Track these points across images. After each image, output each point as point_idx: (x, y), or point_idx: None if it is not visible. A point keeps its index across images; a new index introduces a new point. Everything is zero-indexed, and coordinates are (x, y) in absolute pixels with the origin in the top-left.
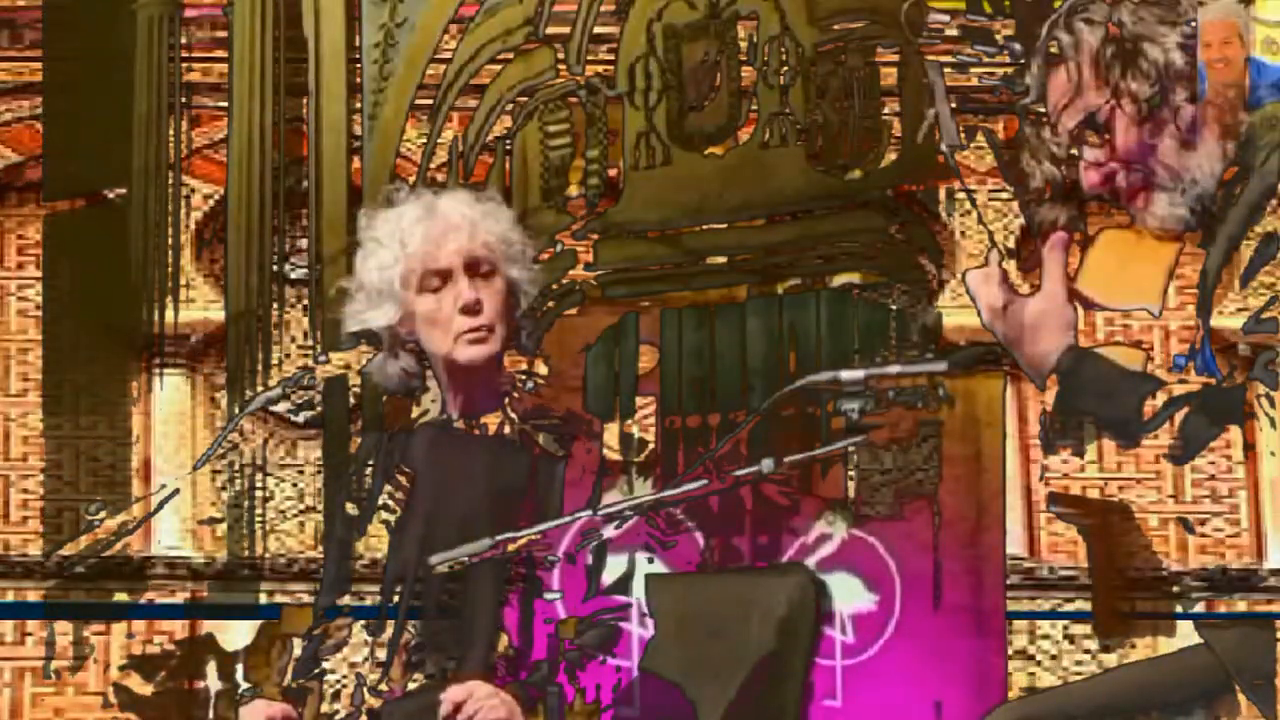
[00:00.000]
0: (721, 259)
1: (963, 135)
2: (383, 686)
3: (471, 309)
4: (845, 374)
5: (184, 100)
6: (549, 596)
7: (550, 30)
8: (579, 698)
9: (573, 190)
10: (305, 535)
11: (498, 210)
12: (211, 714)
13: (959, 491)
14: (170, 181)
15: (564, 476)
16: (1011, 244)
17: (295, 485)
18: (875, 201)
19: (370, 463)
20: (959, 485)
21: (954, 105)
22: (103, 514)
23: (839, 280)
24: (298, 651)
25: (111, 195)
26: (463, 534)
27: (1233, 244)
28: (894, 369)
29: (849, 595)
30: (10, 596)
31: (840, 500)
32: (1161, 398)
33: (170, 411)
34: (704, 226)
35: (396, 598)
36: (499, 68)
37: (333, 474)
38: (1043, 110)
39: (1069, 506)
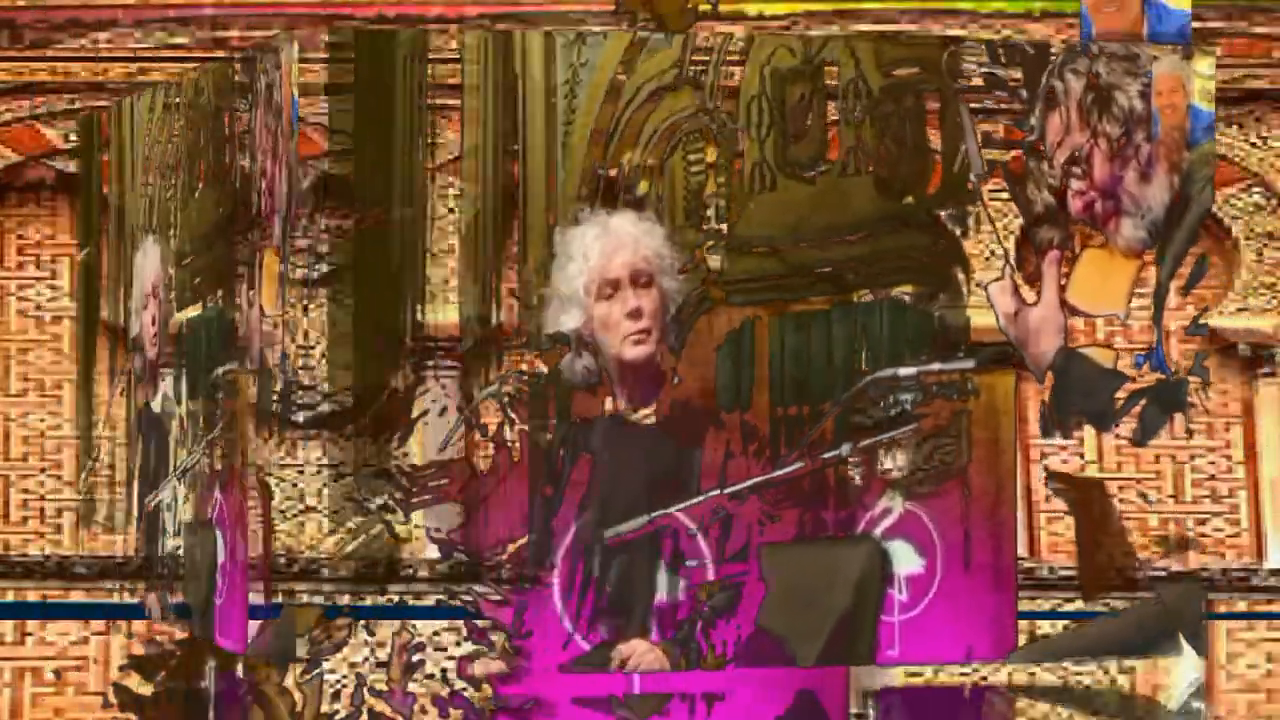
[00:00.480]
0: (813, 272)
1: (986, 166)
2: (388, 685)
3: (635, 314)
4: (902, 370)
5: (431, 128)
6: (689, 564)
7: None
8: (710, 652)
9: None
10: (305, 536)
11: (654, 228)
12: (211, 714)
13: (983, 470)
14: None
15: (700, 461)
16: (1010, 244)
17: (295, 485)
18: (923, 222)
19: (561, 450)
20: (983, 465)
21: (979, 141)
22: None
23: (896, 291)
24: (303, 649)
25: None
26: (626, 512)
27: (1177, 261)
28: (936, 366)
29: (905, 561)
30: (10, 596)
31: (900, 479)
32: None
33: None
34: (801, 244)
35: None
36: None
37: (535, 461)
38: (1043, 147)
39: (1061, 484)
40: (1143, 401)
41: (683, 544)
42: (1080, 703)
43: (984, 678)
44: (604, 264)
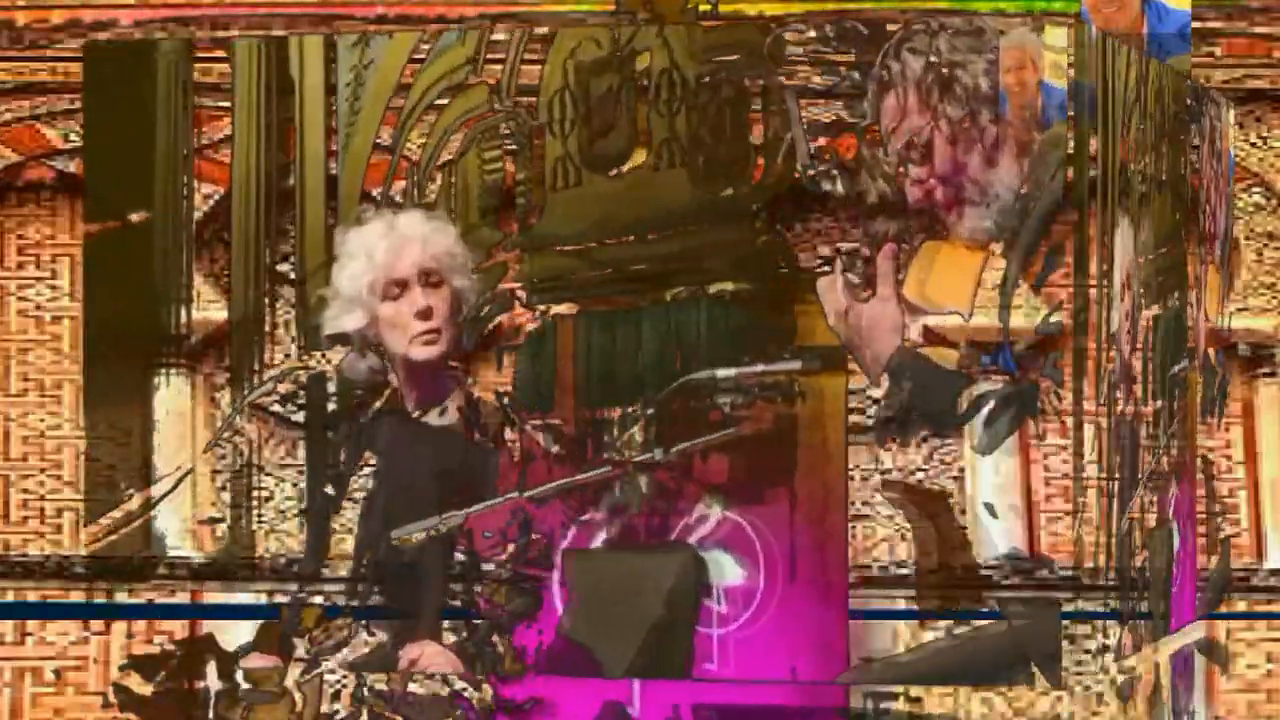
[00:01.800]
0: (622, 270)
1: (813, 155)
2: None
3: (424, 314)
4: (720, 372)
5: (196, 137)
6: (486, 568)
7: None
8: (509, 656)
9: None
10: (304, 535)
11: (444, 227)
12: (211, 714)
13: (810, 477)
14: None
15: (498, 463)
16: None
17: (296, 485)
18: (744, 216)
19: (342, 448)
20: (810, 472)
21: (806, 128)
22: (131, 491)
23: (715, 288)
24: (300, 652)
25: (136, 219)
26: (416, 512)
27: (1028, 253)
28: (758, 367)
29: (723, 571)
30: (10, 596)
31: (717, 485)
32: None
33: (170, 411)
34: (609, 241)
35: (364, 566)
36: (446, 102)
37: (313, 457)
38: (877, 131)
39: (896, 493)
40: (989, 405)
41: (477, 547)
42: None
43: None
44: (390, 263)
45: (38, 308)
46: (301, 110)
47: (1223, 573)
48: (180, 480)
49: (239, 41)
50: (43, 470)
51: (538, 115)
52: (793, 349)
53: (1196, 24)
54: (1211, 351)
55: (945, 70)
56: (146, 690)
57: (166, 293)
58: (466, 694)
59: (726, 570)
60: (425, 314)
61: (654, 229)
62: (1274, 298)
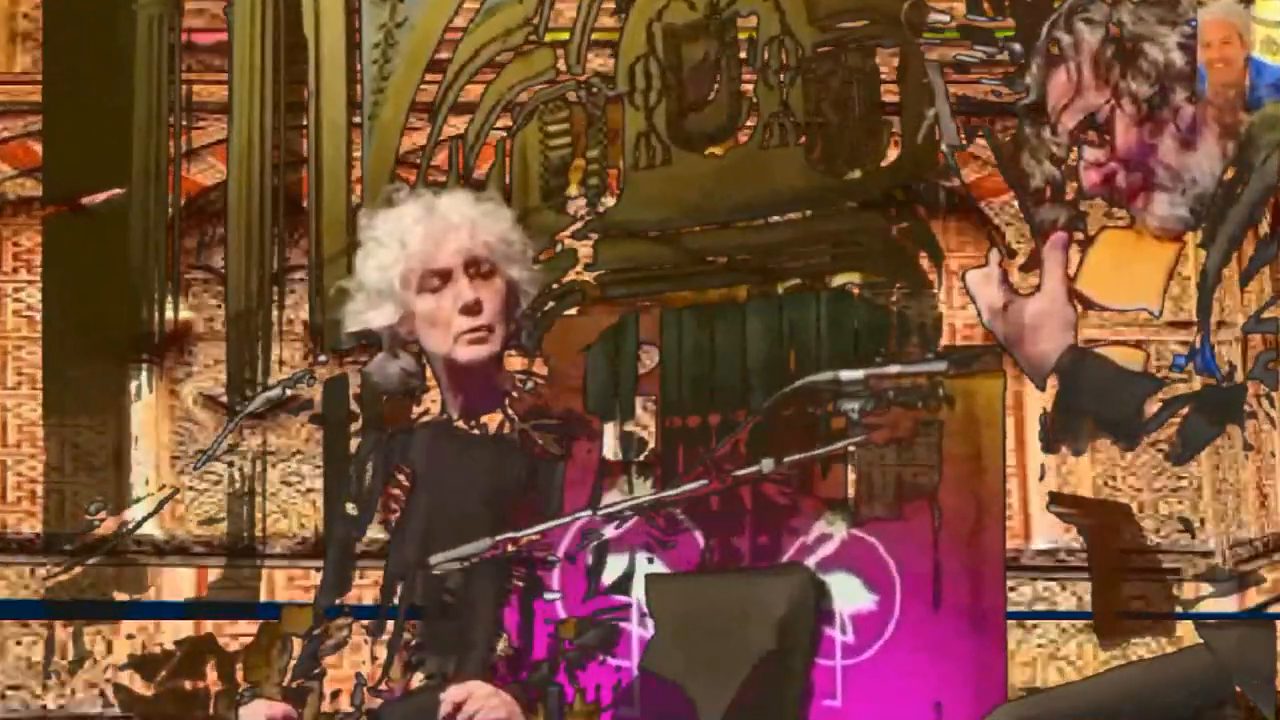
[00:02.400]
0: (721, 259)
1: (962, 135)
2: (383, 685)
3: (471, 309)
4: (845, 374)
5: (184, 102)
6: (549, 597)
7: (550, 31)
8: (579, 698)
9: (573, 190)
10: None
11: (497, 210)
12: (211, 714)
13: (960, 491)
14: (164, 181)
15: (564, 476)
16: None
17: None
18: (875, 201)
19: (370, 462)
20: (959, 485)
21: (954, 105)
22: (103, 514)
23: (839, 280)
24: (298, 651)
25: (107, 196)
26: (462, 534)
27: (1233, 244)
28: (894, 369)
29: (849, 595)
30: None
31: (840, 500)
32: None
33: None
34: (704, 226)
35: (397, 597)
36: (498, 68)
37: (332, 473)
38: (1043, 110)
39: (1068, 507)
40: (1184, 410)
41: (540, 573)
42: None
43: None
44: (429, 251)
45: (28, 308)
46: (318, 74)
47: None
48: (162, 504)
49: None
50: (33, 456)
51: (614, 84)
52: (937, 349)
53: None
54: None
55: (1129, 43)
56: (147, 690)
57: (146, 285)
58: None
59: (853, 594)
60: (472, 309)
61: (760, 214)
62: (1276, 297)
